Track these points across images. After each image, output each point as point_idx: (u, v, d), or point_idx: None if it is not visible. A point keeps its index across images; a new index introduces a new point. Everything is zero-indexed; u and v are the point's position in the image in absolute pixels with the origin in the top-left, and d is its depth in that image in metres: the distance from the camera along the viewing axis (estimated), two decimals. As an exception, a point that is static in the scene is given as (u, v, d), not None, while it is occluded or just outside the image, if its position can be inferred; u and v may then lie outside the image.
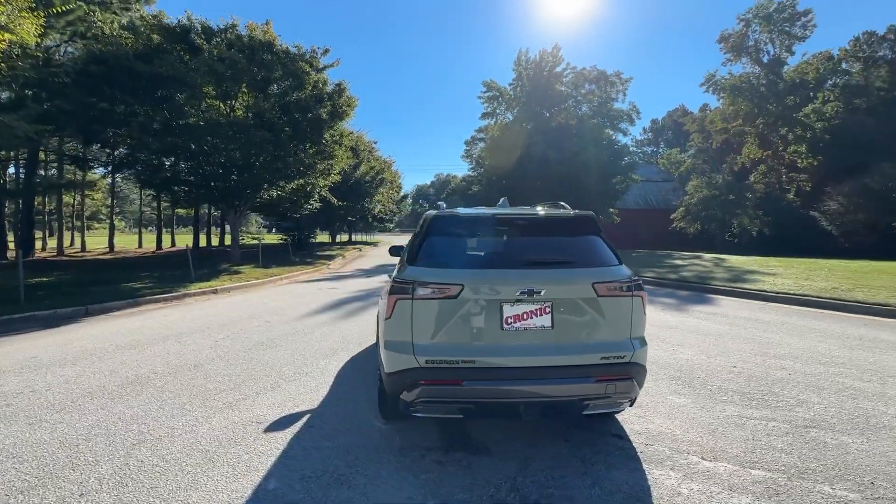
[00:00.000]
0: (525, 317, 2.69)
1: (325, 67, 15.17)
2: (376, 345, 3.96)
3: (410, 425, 3.34)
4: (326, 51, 15.08)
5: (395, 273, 3.42)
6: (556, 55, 34.76)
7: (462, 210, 3.09)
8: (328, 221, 27.08)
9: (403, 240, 53.93)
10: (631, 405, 2.89)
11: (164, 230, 27.49)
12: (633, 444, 3.10)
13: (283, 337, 6.18)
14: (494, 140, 30.80)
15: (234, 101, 14.47)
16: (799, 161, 33.33)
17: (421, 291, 2.71)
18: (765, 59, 34.34)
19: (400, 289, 2.78)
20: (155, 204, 32.07)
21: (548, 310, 2.70)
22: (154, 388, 4.20)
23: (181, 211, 38.95)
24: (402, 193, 36.51)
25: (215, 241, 30.14)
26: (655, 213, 40.67)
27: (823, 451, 2.97)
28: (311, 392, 4.10)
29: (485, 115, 40.85)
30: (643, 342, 2.83)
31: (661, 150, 60.60)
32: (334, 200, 20.61)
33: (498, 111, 40.18)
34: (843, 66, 33.59)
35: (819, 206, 30.04)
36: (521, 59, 36.99)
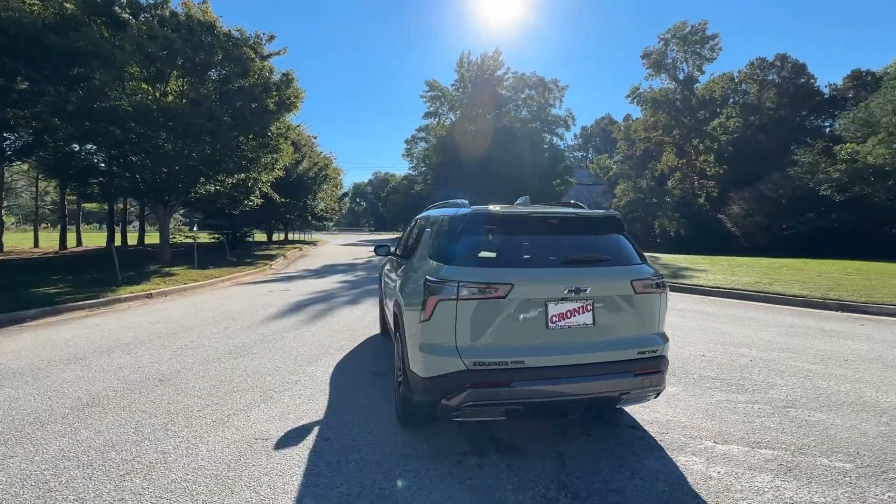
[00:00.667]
0: (568, 315, 2.71)
1: (270, 55, 14.22)
2: (364, 347, 3.79)
3: (433, 431, 3.23)
4: (272, 37, 14.15)
5: (415, 273, 3.27)
6: (497, 59, 35.72)
7: (497, 208, 3.03)
8: (266, 219, 25.49)
9: (346, 239, 51.81)
10: (656, 397, 3.02)
11: (67, 227, 24.11)
12: (650, 433, 3.25)
13: (252, 344, 5.69)
14: (441, 140, 30.95)
15: (165, 86, 13.07)
16: (708, 169, 37.33)
17: (466, 291, 2.62)
18: (680, 77, 37.96)
19: (442, 289, 2.66)
20: (55, 198, 28.06)
21: (589, 307, 2.74)
22: (119, 408, 3.67)
23: (90, 206, 34.47)
24: (342, 191, 35.36)
25: (132, 240, 27.11)
26: (586, 214, 43.46)
27: (809, 429, 3.32)
28: (307, 402, 3.81)
29: (428, 115, 40.95)
30: (665, 336, 2.97)
31: (590, 156, 64.84)
32: (276, 197, 19.42)
33: (441, 111, 40.45)
34: (743, 86, 38.09)
35: (724, 209, 33.80)
36: (463, 61, 37.50)
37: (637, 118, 49.95)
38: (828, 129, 43.12)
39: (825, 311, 8.14)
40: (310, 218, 29.70)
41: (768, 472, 2.72)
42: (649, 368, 2.77)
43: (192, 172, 13.46)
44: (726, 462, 2.84)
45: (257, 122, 13.74)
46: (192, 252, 15.27)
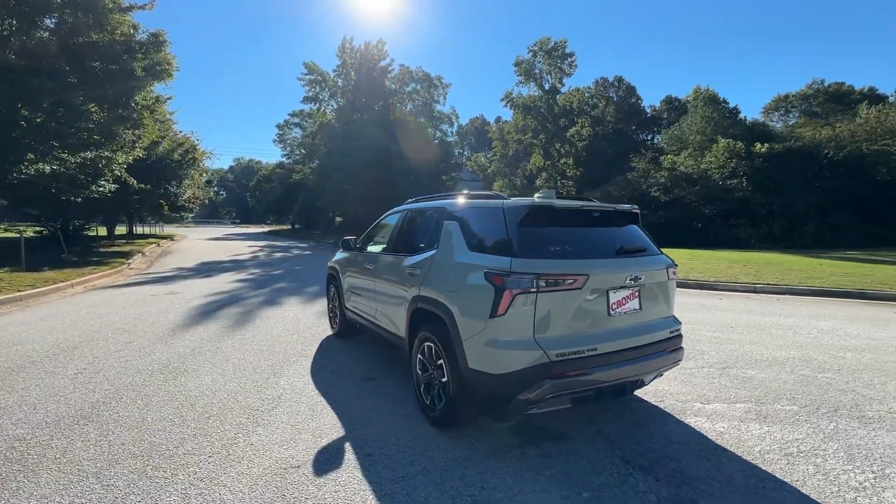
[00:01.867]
0: (624, 301, 2.90)
1: (132, 7, 11.60)
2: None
3: (468, 430, 3.13)
4: (133, -15, 11.57)
5: (450, 268, 3.11)
6: (382, 49, 35.14)
7: (546, 201, 3.02)
8: (108, 209, 20.82)
9: (207, 232, 45.32)
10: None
11: None
12: (653, 403, 3.67)
13: (182, 359, 4.73)
14: (325, 128, 29.19)
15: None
16: (568, 171, 42.65)
17: (545, 283, 2.60)
18: (546, 86, 42.36)
19: (518, 282, 2.60)
20: None
21: (636, 294, 2.97)
22: (50, 461, 2.73)
23: None
24: (205, 178, 30.74)
25: None
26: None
27: (751, 384, 4.13)
28: (313, 418, 3.35)
29: (307, 99, 38.35)
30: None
31: (465, 154, 68.48)
32: (133, 182, 15.94)
33: (321, 97, 38.23)
34: (593, 100, 44.29)
35: (582, 206, 39.04)
36: (345, 47, 35.97)
37: (507, 121, 54.33)
38: (651, 142, 52.94)
39: (689, 290, 10.09)
40: (166, 209, 25.32)
41: (754, 421, 3.33)
42: (676, 346, 3.15)
43: (18, 146, 10.34)
44: (722, 418, 3.38)
45: (115, 87, 11.15)
46: (10, 250, 11.84)
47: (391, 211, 4.86)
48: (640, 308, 3.00)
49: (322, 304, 7.93)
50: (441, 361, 3.08)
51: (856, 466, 2.71)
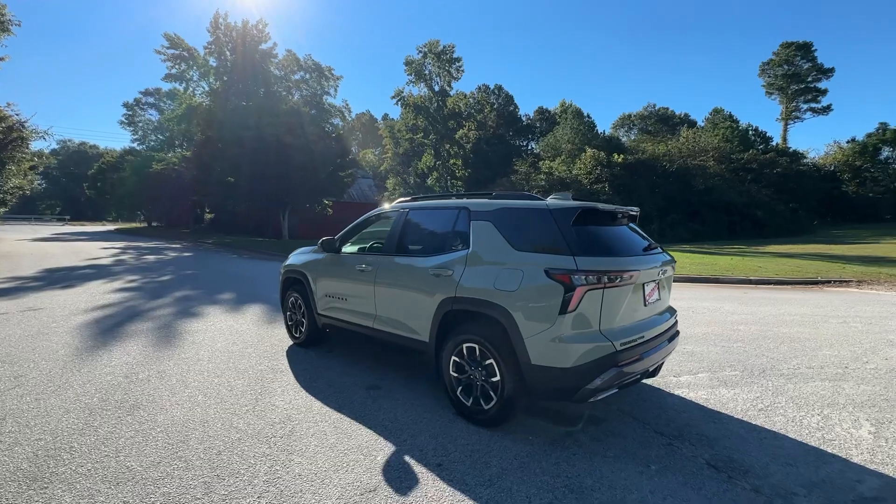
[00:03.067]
0: (652, 293, 3.26)
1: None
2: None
3: (512, 427, 3.21)
4: None
5: (492, 267, 3.13)
6: (263, 31, 32.25)
7: (591, 203, 3.18)
8: None
9: (23, 232, 36.83)
10: None
11: None
12: (647, 382, 4.17)
13: (118, 391, 3.85)
14: (206, 113, 25.61)
15: None
16: (457, 171, 44.53)
17: (608, 279, 2.80)
18: (436, 88, 43.50)
19: (587, 279, 2.75)
20: None
21: (657, 286, 3.36)
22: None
23: None
24: (29, 163, 24.12)
25: None
26: (356, 206, 44.56)
27: (699, 357, 4.96)
28: (348, 437, 3.06)
29: (170, 78, 33.27)
30: None
31: (354, 149, 66.12)
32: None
33: (189, 75, 33.52)
34: (479, 105, 46.89)
35: (471, 205, 41.14)
36: (219, 23, 32.17)
37: (394, 119, 54.37)
38: (527, 147, 58.14)
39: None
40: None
41: (720, 387, 4.04)
42: (677, 332, 3.65)
43: None
44: (697, 387, 4.03)
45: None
46: None
47: (378, 211, 4.62)
48: (660, 298, 3.42)
49: (256, 312, 7.12)
50: (490, 362, 3.09)
51: (806, 412, 3.50)
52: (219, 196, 24.64)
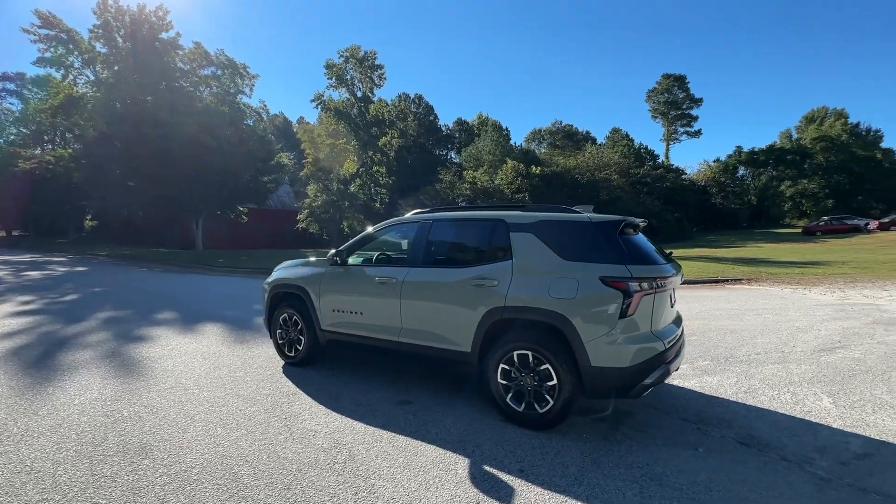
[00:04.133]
0: (673, 297, 3.66)
1: None
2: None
3: (561, 428, 3.39)
4: None
5: (542, 276, 3.30)
6: (164, 18, 29.26)
7: (631, 218, 3.45)
8: None
9: None
10: None
11: None
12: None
13: (110, 432, 3.32)
14: (100, 105, 22.26)
15: None
16: (381, 179, 44.10)
17: (657, 285, 3.12)
18: (359, 94, 42.78)
19: (642, 285, 3.04)
20: None
21: (674, 290, 3.79)
22: None
23: None
24: None
25: None
26: (273, 214, 41.85)
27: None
28: (416, 455, 2.99)
29: (43, 62, 28.61)
30: None
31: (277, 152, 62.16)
32: None
33: (68, 60, 29.10)
34: (402, 114, 47.00)
35: (396, 213, 41.04)
36: (107, 4, 28.50)
37: (312, 123, 52.34)
38: (446, 157, 59.56)
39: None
40: None
41: (705, 375, 4.63)
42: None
43: None
44: (687, 377, 4.57)
45: None
46: None
47: (396, 222, 4.54)
48: (675, 302, 3.86)
49: (216, 332, 6.49)
50: (545, 367, 3.24)
51: (778, 391, 4.19)
52: (117, 201, 21.44)
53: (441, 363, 3.90)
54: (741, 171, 50.42)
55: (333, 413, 3.66)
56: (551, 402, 3.23)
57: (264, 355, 5.32)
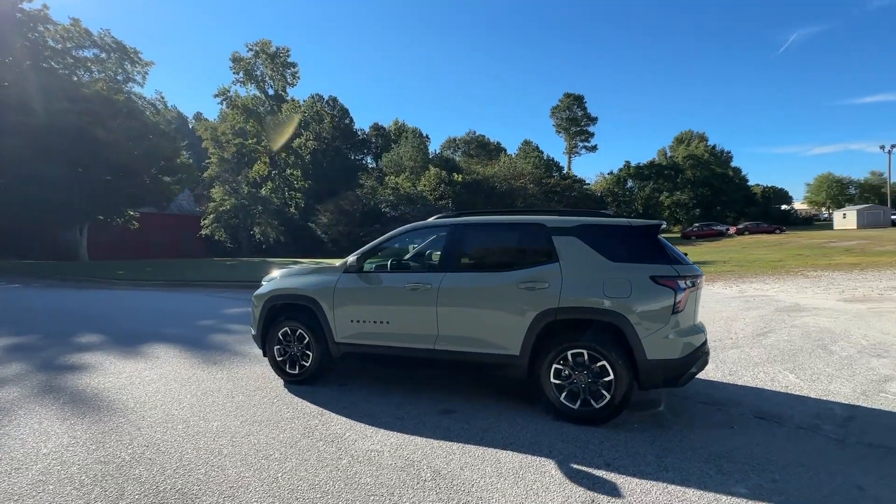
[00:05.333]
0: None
1: None
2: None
3: (624, 424, 3.57)
4: None
5: (592, 275, 3.47)
6: (27, -14, 24.63)
7: (659, 221, 3.70)
8: None
9: None
10: None
11: None
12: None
13: (131, 483, 2.74)
14: None
15: None
16: (296, 182, 41.74)
17: (699, 282, 3.44)
18: (270, 92, 40.11)
19: (688, 282, 3.34)
20: None
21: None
22: None
23: None
24: None
25: None
26: (167, 219, 37.24)
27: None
28: (531, 465, 2.93)
29: None
30: None
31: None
32: None
33: None
34: (318, 116, 45.13)
35: (314, 219, 39.16)
36: (-55, -40, 23.27)
37: (211, 119, 47.83)
38: (362, 162, 58.45)
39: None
40: None
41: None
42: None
43: None
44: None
45: None
46: None
47: (419, 226, 4.38)
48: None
49: (175, 353, 5.69)
50: (602, 363, 3.39)
51: (755, 372, 4.85)
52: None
53: (484, 368, 3.86)
54: (629, 183, 57.14)
55: (381, 430, 3.42)
56: (608, 397, 3.39)
57: (252, 375, 4.76)
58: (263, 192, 38.91)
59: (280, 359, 4.52)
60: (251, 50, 38.41)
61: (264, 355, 4.71)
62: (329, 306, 4.27)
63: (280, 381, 4.55)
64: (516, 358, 3.65)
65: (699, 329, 3.50)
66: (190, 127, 49.95)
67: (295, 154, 41.30)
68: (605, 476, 2.74)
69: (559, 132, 61.70)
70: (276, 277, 4.78)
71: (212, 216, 33.60)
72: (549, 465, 2.88)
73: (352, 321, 4.21)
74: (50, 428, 3.46)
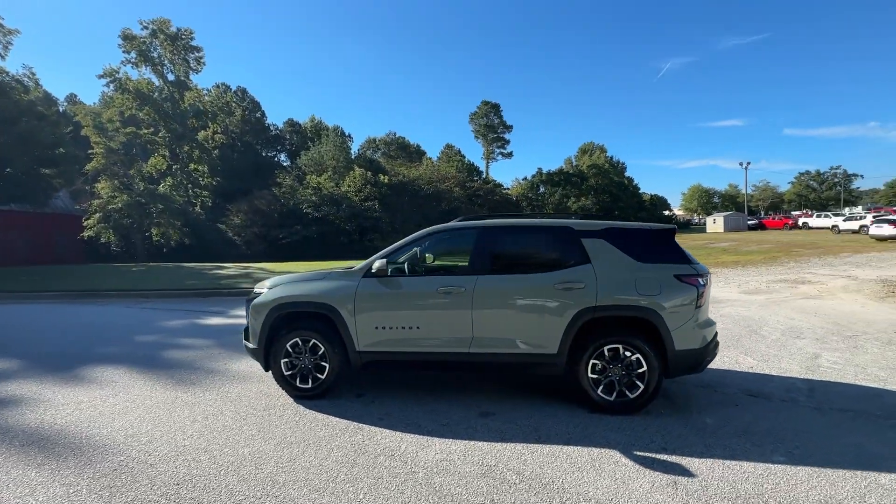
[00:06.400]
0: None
1: None
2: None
3: (655, 411, 3.87)
4: None
5: (629, 275, 3.74)
6: None
7: (675, 226, 4.04)
8: None
9: None
10: None
11: None
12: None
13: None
14: None
15: None
16: (202, 178, 37.70)
17: (709, 280, 3.86)
18: (170, 77, 35.75)
19: (704, 280, 3.74)
20: None
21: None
22: None
23: None
24: None
25: None
26: (32, 219, 31.14)
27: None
28: (599, 457, 3.02)
29: None
30: None
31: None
32: None
33: None
34: (228, 107, 41.27)
35: (225, 219, 35.79)
36: None
37: (91, 104, 41.47)
38: (275, 159, 54.89)
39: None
40: None
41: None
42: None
43: None
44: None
45: None
46: None
47: (442, 229, 4.30)
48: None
49: (128, 375, 4.93)
50: (636, 356, 3.66)
51: (718, 357, 5.56)
52: None
53: (518, 368, 3.93)
54: (542, 188, 61.17)
55: (434, 438, 3.32)
56: (642, 387, 3.67)
57: (249, 393, 4.29)
58: (162, 188, 34.50)
59: (288, 373, 4.13)
60: (146, 28, 33.84)
61: (266, 370, 4.27)
62: (349, 313, 4.01)
63: (286, 398, 4.15)
64: (554, 356, 3.78)
65: (712, 322, 3.95)
66: (61, 111, 42.40)
67: (200, 147, 37.31)
68: (669, 459, 2.98)
69: (477, 138, 63.93)
70: (272, 286, 4.36)
71: (98, 215, 28.78)
72: (616, 455, 3.04)
73: (376, 328, 4.00)
74: (24, 477, 2.79)
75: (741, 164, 55.99)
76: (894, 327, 6.67)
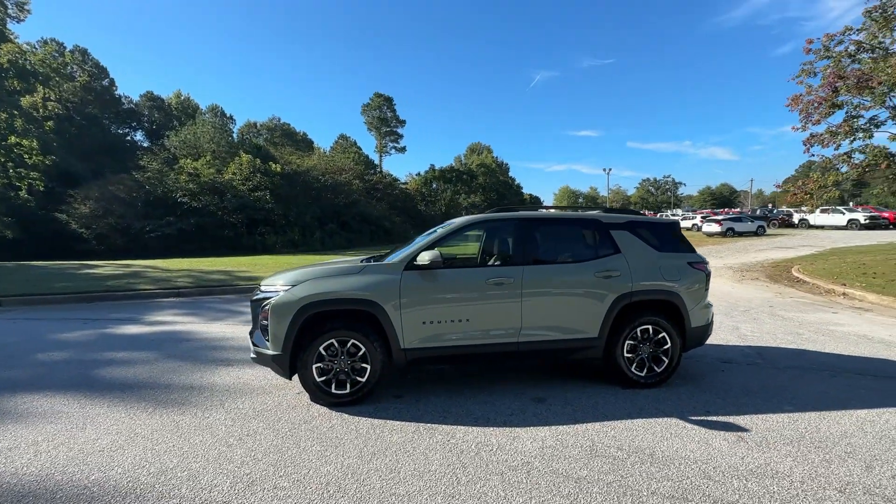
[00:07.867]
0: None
1: None
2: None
3: (675, 384, 4.35)
4: None
5: (650, 262, 4.18)
6: None
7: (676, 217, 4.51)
8: None
9: None
10: None
11: None
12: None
13: None
14: None
15: None
16: (30, 157, 29.96)
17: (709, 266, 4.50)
18: (-22, 22, 27.56)
19: (707, 267, 4.35)
20: None
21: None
22: None
23: None
24: None
25: None
26: None
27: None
28: (668, 428, 3.29)
29: None
30: None
31: None
32: None
33: None
34: (67, 69, 33.56)
35: (67, 209, 29.20)
36: None
37: None
38: (130, 137, 46.53)
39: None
40: None
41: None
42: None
43: None
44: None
45: None
46: None
47: (487, 219, 4.27)
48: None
49: (97, 404, 3.94)
50: (662, 335, 4.11)
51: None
52: None
53: (562, 353, 4.09)
54: (434, 184, 62.66)
55: (516, 428, 3.30)
56: (666, 362, 4.14)
57: (265, 407, 3.71)
58: (-33, 166, 26.61)
59: (322, 379, 3.67)
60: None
61: (289, 378, 3.74)
62: (394, 308, 3.73)
63: (316, 407, 3.69)
64: (594, 340, 4.04)
65: (710, 303, 4.63)
66: None
67: (26, 117, 29.70)
68: (719, 419, 3.44)
69: (370, 130, 62.55)
70: (291, 283, 3.81)
71: None
72: (679, 422, 3.40)
73: (424, 323, 3.79)
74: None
75: (604, 169, 64.70)
76: (769, 302, 8.52)
